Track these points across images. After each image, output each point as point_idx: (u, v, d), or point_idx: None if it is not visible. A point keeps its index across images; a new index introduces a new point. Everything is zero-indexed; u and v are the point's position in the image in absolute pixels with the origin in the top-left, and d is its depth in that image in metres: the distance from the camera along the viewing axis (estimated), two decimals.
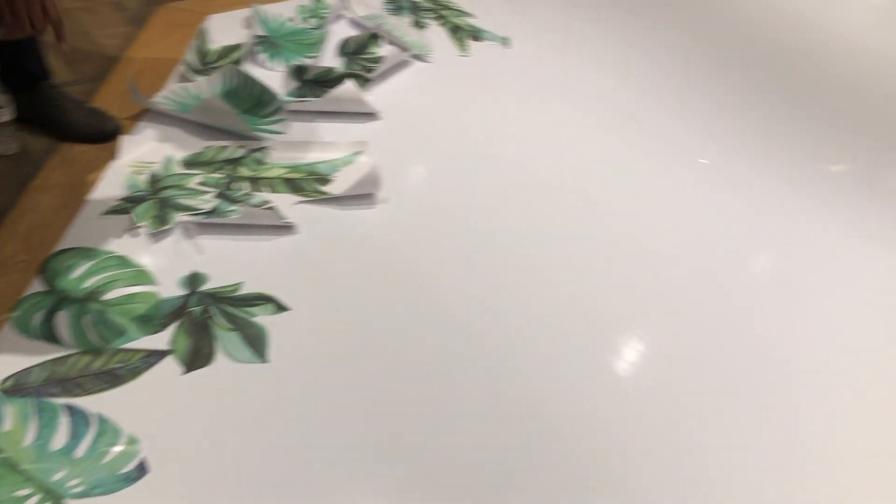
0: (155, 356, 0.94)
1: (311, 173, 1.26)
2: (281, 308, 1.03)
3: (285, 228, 1.15)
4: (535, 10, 1.90)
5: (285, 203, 1.18)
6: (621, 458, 0.93)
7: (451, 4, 1.83)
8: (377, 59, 1.54)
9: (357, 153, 1.31)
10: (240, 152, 1.27)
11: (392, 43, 1.60)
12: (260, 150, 1.28)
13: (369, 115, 1.42)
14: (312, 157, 1.29)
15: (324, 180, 1.25)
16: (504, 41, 1.73)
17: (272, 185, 1.22)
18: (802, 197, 1.44)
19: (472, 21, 1.78)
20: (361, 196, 1.23)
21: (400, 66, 1.59)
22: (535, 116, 1.52)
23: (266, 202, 1.17)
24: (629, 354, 1.08)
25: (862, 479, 0.97)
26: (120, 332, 0.96)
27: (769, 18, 2.06)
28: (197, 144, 1.27)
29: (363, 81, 1.48)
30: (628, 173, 1.42)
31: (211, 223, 1.12)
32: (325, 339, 1.01)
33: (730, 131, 1.58)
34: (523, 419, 0.95)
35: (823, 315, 1.20)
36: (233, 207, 1.14)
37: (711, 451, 0.96)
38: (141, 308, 0.99)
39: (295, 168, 1.26)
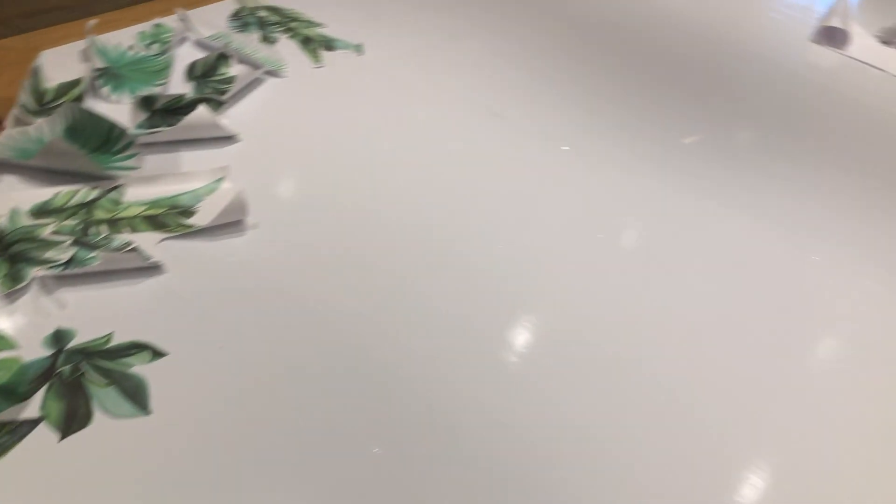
0: (24, 426, 0.88)
1: (173, 207, 1.21)
2: (158, 354, 0.98)
3: (152, 269, 1.09)
4: (387, 15, 1.89)
5: (149, 242, 1.13)
6: (512, 451, 0.95)
7: (299, 16, 1.80)
8: (229, 80, 1.50)
9: (219, 180, 1.27)
10: (94, 194, 1.20)
11: (242, 61, 1.56)
12: (115, 189, 1.21)
13: (227, 139, 1.38)
14: (172, 189, 1.24)
15: (187, 213, 1.20)
16: (358, 49, 1.72)
17: (132, 224, 1.16)
18: (662, 171, 1.51)
19: (323, 31, 1.76)
20: (230, 224, 1.19)
21: (253, 84, 1.55)
22: (397, 121, 1.52)
23: (128, 244, 1.11)
24: (515, 347, 1.09)
25: (740, 444, 1.02)
26: None
27: (607, 3, 2.15)
28: (45, 191, 1.20)
29: (217, 104, 1.43)
30: (496, 167, 1.44)
31: (70, 274, 1.06)
32: (209, 379, 0.97)
33: (587, 117, 1.63)
34: (424, 429, 0.95)
35: (695, 281, 1.26)
36: (92, 254, 1.08)
37: (595, 427, 0.99)
38: (3, 377, 0.92)
39: (155, 203, 1.21)
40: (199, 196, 1.23)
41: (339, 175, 1.35)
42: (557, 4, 2.11)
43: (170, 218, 1.18)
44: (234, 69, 1.52)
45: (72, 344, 0.98)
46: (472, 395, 1.00)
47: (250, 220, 1.21)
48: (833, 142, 1.74)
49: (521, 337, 1.11)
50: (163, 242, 1.14)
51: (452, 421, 0.97)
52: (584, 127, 1.59)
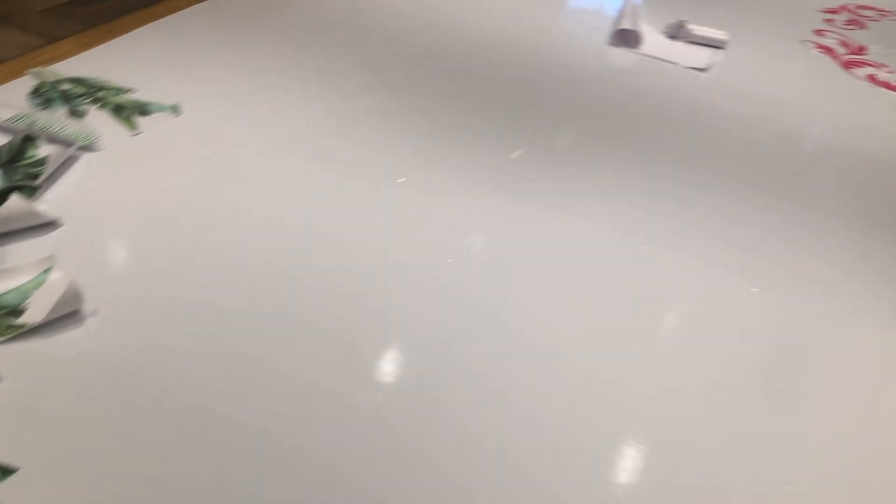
0: None
1: (0, 308, 1.13)
2: (7, 472, 0.91)
3: None
4: (199, 71, 1.85)
5: None
6: (382, 472, 0.95)
7: (106, 84, 1.72)
8: (39, 163, 1.41)
9: (46, 271, 1.19)
10: None
11: (52, 140, 1.48)
12: None
13: (48, 225, 1.30)
14: None
15: (16, 312, 1.12)
16: (175, 109, 1.67)
17: None
18: (494, 185, 1.57)
19: (134, 97, 1.70)
20: (66, 316, 1.13)
21: (68, 162, 1.47)
22: (226, 175, 1.49)
23: None
24: (384, 367, 1.11)
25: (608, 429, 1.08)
26: None
27: (417, 35, 2.22)
28: None
29: (30, 191, 1.35)
30: (336, 207, 1.45)
31: None
32: (68, 487, 0.91)
33: (416, 146, 1.67)
34: (299, 486, 0.94)
35: (547, 285, 1.32)
36: None
37: (469, 429, 1.02)
38: None
39: None
40: (25, 292, 1.16)
41: (174, 242, 1.31)
42: (371, 40, 2.14)
43: None
44: (43, 150, 1.44)
45: None
46: (348, 426, 1.01)
47: (87, 307, 1.15)
48: (642, 132, 1.88)
49: (388, 372, 1.12)
50: None
51: (336, 465, 0.97)
52: (417, 156, 1.63)
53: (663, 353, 1.24)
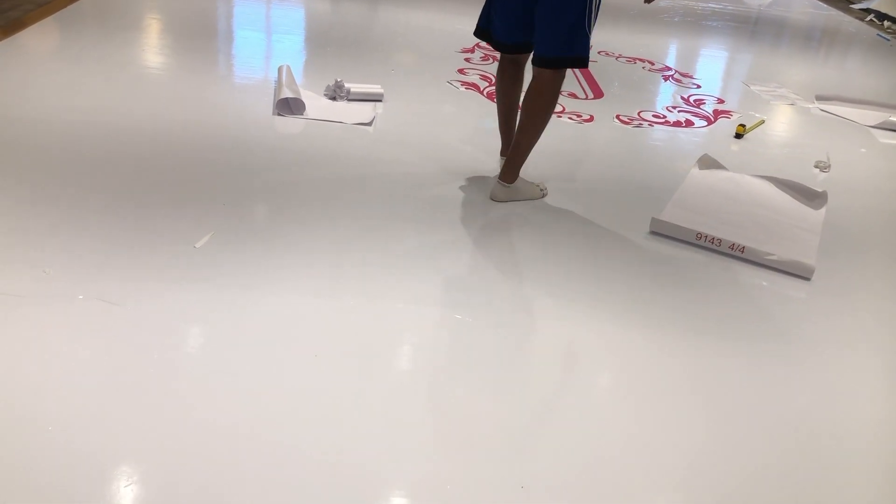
0: None
1: None
2: None
3: None
4: None
5: None
6: None
7: None
8: None
9: None
10: None
11: None
12: None
13: None
14: None
15: None
16: None
17: None
18: (188, 276, 1.51)
19: None
20: None
21: None
22: None
23: None
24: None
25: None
26: None
27: (67, 136, 2.06)
28: None
29: None
30: (11, 347, 1.29)
31: None
32: None
33: (92, 257, 1.55)
34: None
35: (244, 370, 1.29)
36: None
37: None
38: None
39: None
40: None
41: None
42: (18, 156, 1.95)
43: None
44: None
45: None
46: None
47: None
48: (322, 192, 1.92)
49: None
50: None
51: None
52: (90, 268, 1.51)
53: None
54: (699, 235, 1.87)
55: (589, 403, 1.35)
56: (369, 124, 2.37)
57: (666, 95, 3.10)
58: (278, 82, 2.52)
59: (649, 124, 2.71)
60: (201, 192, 1.85)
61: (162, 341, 1.35)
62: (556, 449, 1.23)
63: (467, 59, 3.18)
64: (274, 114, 2.35)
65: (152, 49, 2.88)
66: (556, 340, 1.51)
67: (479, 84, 2.90)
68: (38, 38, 2.83)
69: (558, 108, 2.62)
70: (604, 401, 1.36)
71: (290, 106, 2.38)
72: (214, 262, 1.57)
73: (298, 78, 2.62)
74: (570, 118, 2.65)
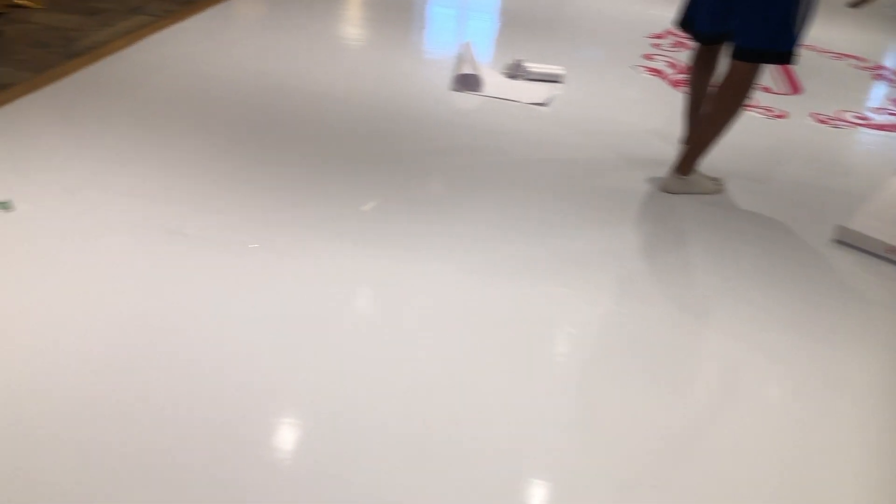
0: None
1: None
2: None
3: None
4: (35, 161, 1.78)
5: None
6: None
7: None
8: None
9: None
10: None
11: None
12: None
13: None
14: None
15: None
16: (5, 206, 1.60)
17: None
18: (349, 240, 1.58)
19: None
20: None
21: None
22: (60, 273, 1.42)
23: None
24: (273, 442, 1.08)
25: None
26: None
27: (262, 93, 2.21)
28: None
29: None
30: (190, 281, 1.42)
31: None
32: None
33: (267, 209, 1.66)
34: None
35: (426, 335, 1.34)
36: None
37: None
38: None
39: None
40: None
41: (36, 356, 1.23)
42: (210, 109, 2.12)
43: None
44: None
45: None
46: None
47: None
48: (492, 171, 1.94)
49: (285, 435, 1.11)
50: None
51: None
52: (263, 221, 1.62)
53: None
54: (890, 249, 1.71)
55: (749, 420, 1.27)
56: (545, 104, 2.35)
57: (874, 96, 2.83)
58: (459, 58, 2.56)
59: (850, 125, 2.49)
60: (375, 159, 1.92)
61: (325, 293, 1.43)
62: (709, 462, 1.18)
63: (656, 45, 3.06)
64: (452, 89, 2.40)
65: (351, 21, 3.03)
66: (722, 347, 1.44)
67: (664, 70, 2.79)
68: (248, 5, 3.04)
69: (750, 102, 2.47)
70: (766, 416, 1.28)
71: (468, 82, 2.41)
72: (379, 227, 1.64)
73: (482, 55, 2.65)
74: (760, 113, 2.49)
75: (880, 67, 3.14)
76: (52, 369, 1.20)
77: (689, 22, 1.88)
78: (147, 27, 2.58)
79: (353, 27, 2.96)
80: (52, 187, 1.67)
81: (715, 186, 1.94)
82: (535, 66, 2.52)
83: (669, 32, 3.17)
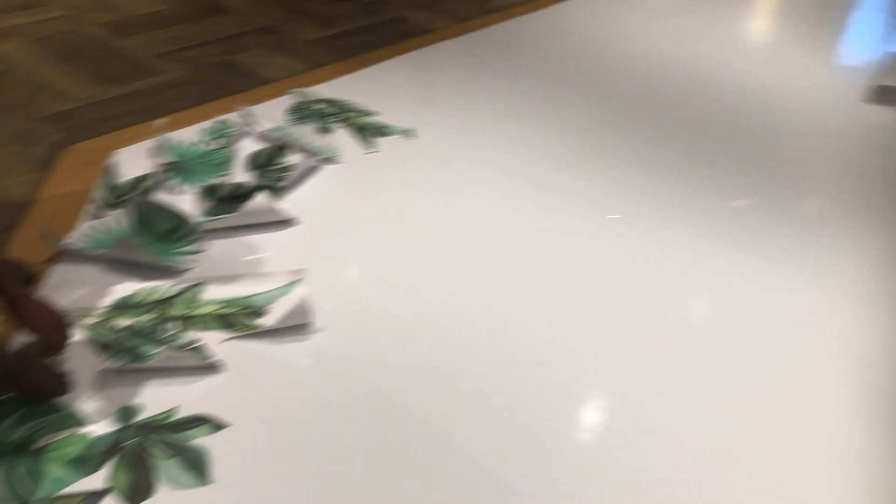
0: (94, 497, 0.92)
1: (246, 307, 1.23)
2: (219, 426, 1.02)
3: (210, 368, 1.12)
4: (437, 100, 1.98)
5: (213, 341, 1.16)
6: None
7: (354, 106, 1.89)
8: (286, 169, 1.58)
9: (294, 283, 1.28)
10: (173, 291, 1.25)
11: (300, 151, 1.64)
12: (194, 287, 1.26)
13: (285, 223, 1.44)
14: (248, 289, 1.27)
15: (258, 313, 1.22)
16: (408, 133, 1.79)
17: (204, 322, 1.19)
18: (709, 233, 1.51)
19: (376, 119, 1.84)
20: (295, 327, 1.20)
21: (310, 171, 1.62)
22: (450, 200, 1.56)
23: (192, 342, 1.15)
24: (588, 416, 1.10)
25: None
26: (55, 480, 0.93)
27: (656, 74, 2.19)
28: (124, 286, 1.26)
29: (275, 191, 1.51)
30: (550, 239, 1.47)
31: (132, 368, 1.10)
32: (269, 452, 1.00)
33: (634, 185, 1.65)
34: None
35: (760, 349, 1.25)
36: (155, 350, 1.12)
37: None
38: (74, 451, 0.97)
39: (230, 303, 1.24)
40: (272, 297, 1.25)
41: (395, 259, 1.39)
42: (609, 75, 2.16)
43: (239, 318, 1.21)
44: (291, 158, 1.60)
45: (137, 419, 1.02)
46: (551, 470, 1.01)
47: (315, 322, 1.21)
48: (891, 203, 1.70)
49: (589, 407, 1.13)
50: (228, 342, 1.17)
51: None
52: (632, 195, 1.61)
53: None
54: None
55: None
56: None
57: None
58: (884, 67, 2.28)
59: None
60: (756, 159, 1.80)
61: (672, 282, 1.39)
62: None
63: None
64: (866, 100, 2.15)
65: (761, 13, 2.86)
66: None
67: None
68: None
69: None
70: None
71: (890, 95, 2.14)
72: (744, 226, 1.54)
73: None
74: None
75: None
76: (410, 289, 1.33)
77: None
78: None
79: (762, 19, 2.79)
80: (448, 126, 1.84)
81: None
82: None
83: None
